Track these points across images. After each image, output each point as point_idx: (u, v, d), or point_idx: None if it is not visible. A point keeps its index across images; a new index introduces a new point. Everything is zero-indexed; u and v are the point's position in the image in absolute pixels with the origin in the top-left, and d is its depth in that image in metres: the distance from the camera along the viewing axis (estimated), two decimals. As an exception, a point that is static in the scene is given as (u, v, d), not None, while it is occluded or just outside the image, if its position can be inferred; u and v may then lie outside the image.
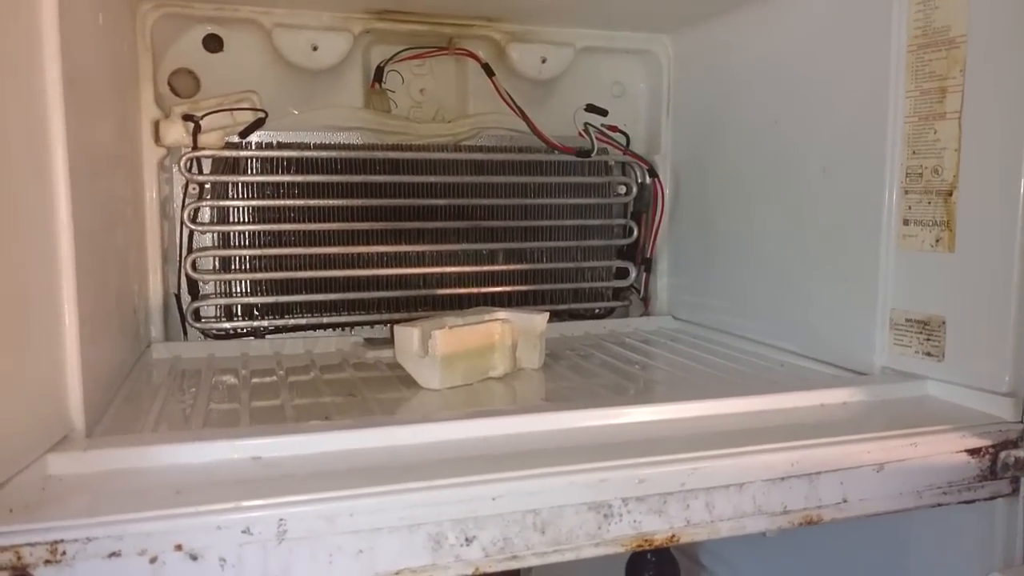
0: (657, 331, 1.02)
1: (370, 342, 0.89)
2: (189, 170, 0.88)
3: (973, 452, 0.59)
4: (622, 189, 1.07)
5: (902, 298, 0.71)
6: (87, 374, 0.54)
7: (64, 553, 0.41)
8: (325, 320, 0.95)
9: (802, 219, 0.82)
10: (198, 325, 0.90)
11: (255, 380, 0.75)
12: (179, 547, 0.43)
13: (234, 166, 0.91)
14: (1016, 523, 0.60)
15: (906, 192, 0.70)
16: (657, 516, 0.51)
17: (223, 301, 0.92)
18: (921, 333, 0.69)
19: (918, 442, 0.57)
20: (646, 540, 0.52)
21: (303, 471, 0.49)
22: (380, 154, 0.95)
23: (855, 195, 0.75)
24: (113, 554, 0.42)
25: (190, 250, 0.89)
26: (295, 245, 0.93)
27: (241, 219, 0.92)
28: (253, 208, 0.92)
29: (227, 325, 0.92)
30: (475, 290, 1.01)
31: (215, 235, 0.92)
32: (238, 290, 0.93)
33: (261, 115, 0.88)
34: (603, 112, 1.02)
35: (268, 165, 0.92)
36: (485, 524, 0.48)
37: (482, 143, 1.01)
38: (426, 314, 0.93)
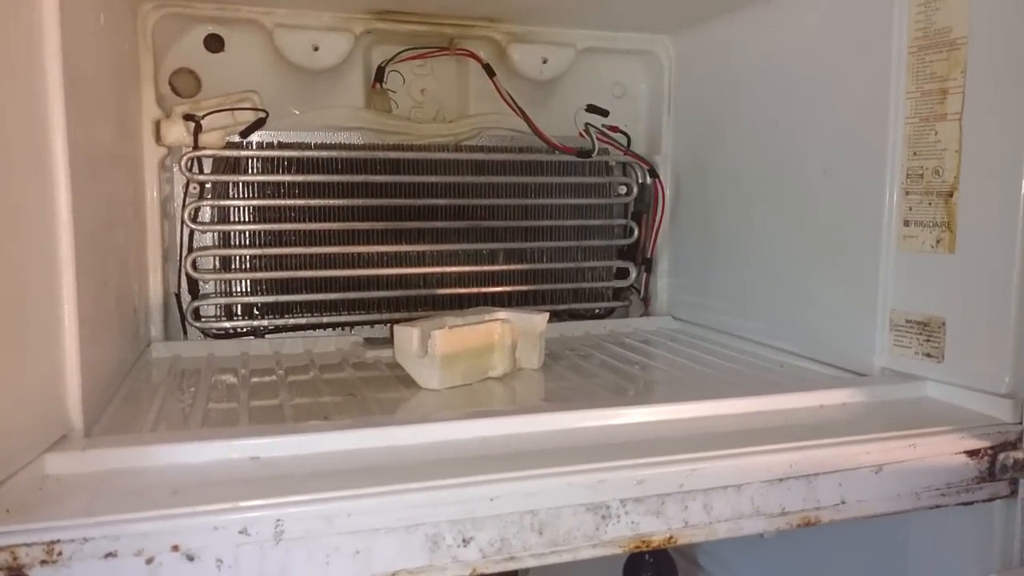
0: (657, 331, 1.02)
1: (370, 342, 0.90)
2: (190, 170, 0.88)
3: (972, 454, 0.59)
4: (623, 189, 1.07)
5: (902, 299, 0.71)
6: (86, 374, 0.54)
7: (60, 553, 0.41)
8: (325, 320, 0.95)
9: (802, 220, 0.82)
10: (198, 324, 0.91)
11: (254, 379, 0.75)
12: (176, 548, 0.43)
13: (235, 166, 0.91)
14: (1014, 525, 0.60)
15: (907, 193, 0.70)
16: (655, 517, 0.51)
17: (223, 300, 0.92)
18: (921, 334, 0.69)
19: (917, 443, 0.57)
20: (644, 541, 0.52)
21: (301, 471, 0.49)
22: (381, 154, 0.95)
23: (855, 196, 0.75)
24: (109, 554, 0.42)
25: (190, 249, 0.90)
26: (295, 245, 0.93)
27: (241, 219, 0.92)
28: (253, 208, 0.92)
29: (227, 324, 0.92)
30: (475, 290, 1.01)
31: (215, 234, 0.92)
32: (238, 289, 0.93)
33: (262, 115, 0.89)
34: (604, 112, 1.02)
35: (269, 165, 0.92)
36: (483, 525, 0.48)
37: (483, 143, 1.01)
38: (426, 314, 0.93)
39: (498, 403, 0.72)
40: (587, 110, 1.02)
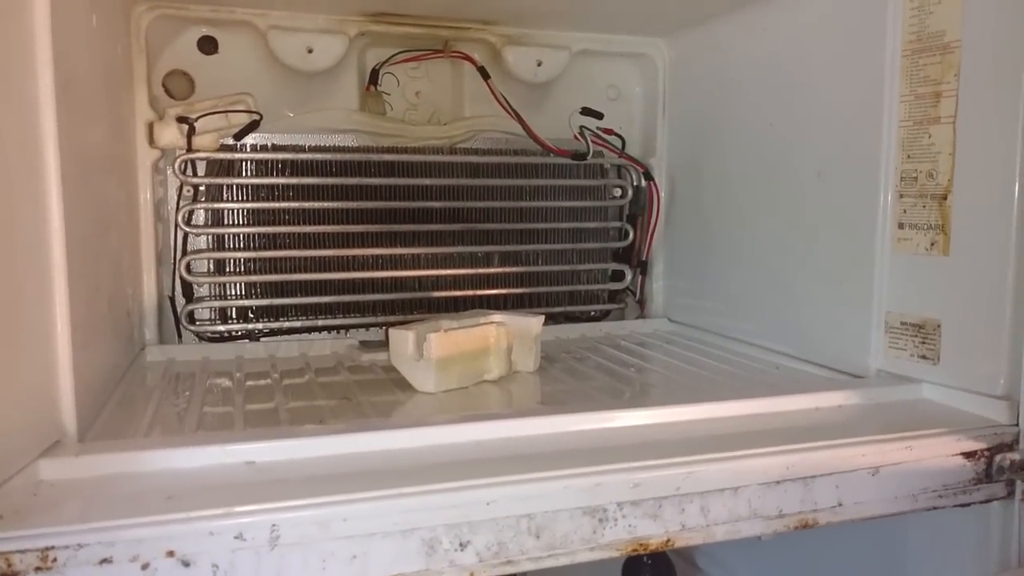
0: (653, 334, 1.02)
1: (365, 345, 0.89)
2: (183, 172, 0.88)
3: (968, 455, 0.59)
4: (618, 192, 1.07)
5: (897, 301, 0.71)
6: (79, 379, 0.54)
7: (55, 560, 0.40)
8: (320, 323, 0.95)
9: (797, 222, 0.82)
10: (192, 328, 0.90)
11: (249, 383, 0.75)
12: (171, 553, 0.42)
13: (229, 168, 0.91)
14: (1012, 526, 0.60)
15: (901, 196, 0.70)
16: (652, 520, 0.51)
17: (217, 304, 0.92)
18: (916, 336, 0.69)
19: (913, 445, 0.57)
20: (641, 544, 0.52)
21: (297, 476, 0.49)
22: (375, 157, 0.95)
23: (850, 198, 0.75)
24: (104, 560, 0.41)
25: (184, 252, 0.89)
26: (290, 247, 0.93)
27: (236, 221, 0.92)
28: (248, 210, 0.92)
29: (221, 328, 0.92)
30: (470, 293, 1.01)
31: (209, 237, 0.91)
32: (233, 293, 0.93)
33: (256, 117, 0.88)
34: (599, 115, 1.03)
35: (263, 167, 0.92)
36: (479, 529, 0.48)
37: (477, 146, 1.01)
38: (421, 317, 0.93)
39: (494, 406, 0.72)
40: (582, 113, 1.02)
